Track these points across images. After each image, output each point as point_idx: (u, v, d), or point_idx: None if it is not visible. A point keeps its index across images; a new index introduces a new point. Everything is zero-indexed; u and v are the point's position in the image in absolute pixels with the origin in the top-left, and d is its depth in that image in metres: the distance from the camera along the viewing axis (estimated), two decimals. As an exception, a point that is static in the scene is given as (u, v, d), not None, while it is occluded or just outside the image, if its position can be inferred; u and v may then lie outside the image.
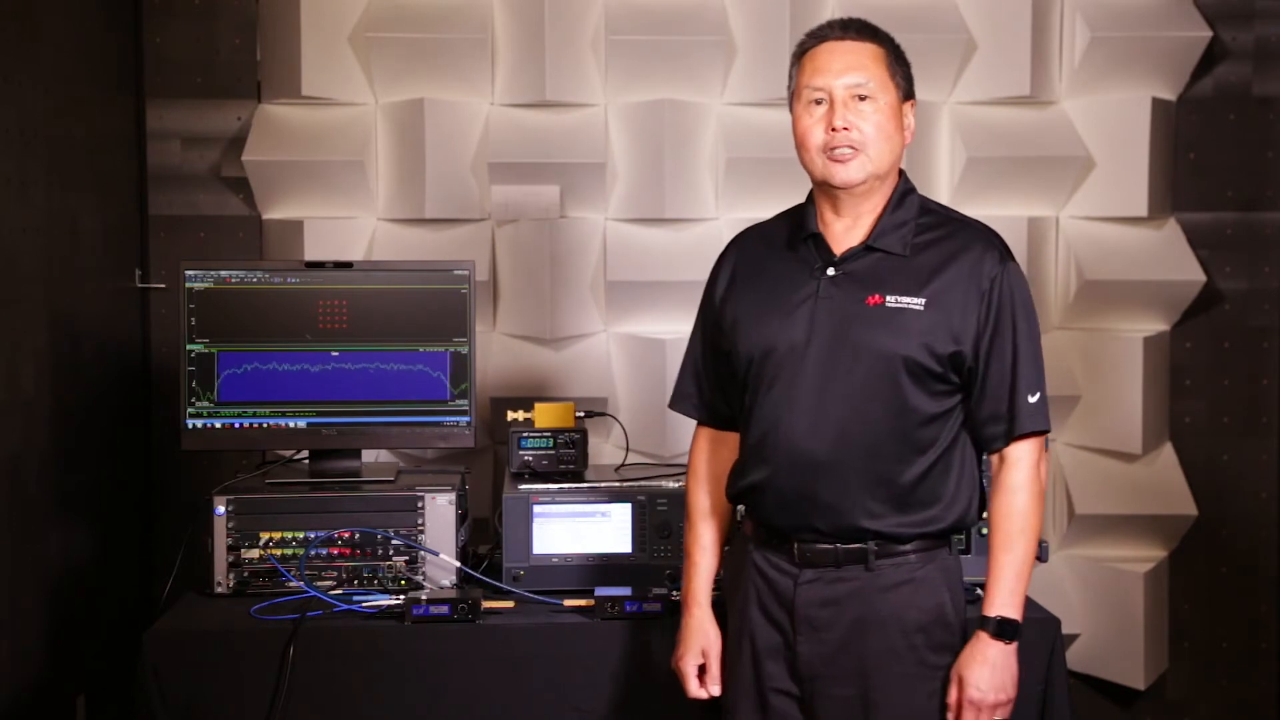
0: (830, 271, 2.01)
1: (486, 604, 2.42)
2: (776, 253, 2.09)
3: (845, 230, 2.04)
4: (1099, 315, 3.30)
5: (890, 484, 1.97)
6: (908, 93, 2.04)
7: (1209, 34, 3.26)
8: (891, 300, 1.97)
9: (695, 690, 2.13)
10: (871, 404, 1.96)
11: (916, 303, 1.96)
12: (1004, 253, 2.02)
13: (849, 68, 1.98)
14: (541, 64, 3.19)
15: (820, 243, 2.04)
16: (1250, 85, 3.39)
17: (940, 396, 1.98)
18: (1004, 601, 1.97)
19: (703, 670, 2.13)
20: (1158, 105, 3.26)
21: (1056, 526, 3.34)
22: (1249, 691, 3.45)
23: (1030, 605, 2.43)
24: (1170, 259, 3.30)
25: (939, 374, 1.97)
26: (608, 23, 3.20)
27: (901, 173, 2.08)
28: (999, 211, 3.24)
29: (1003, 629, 1.96)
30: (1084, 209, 3.30)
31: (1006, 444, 2.00)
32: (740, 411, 2.08)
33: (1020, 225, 3.22)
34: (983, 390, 1.99)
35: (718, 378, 2.14)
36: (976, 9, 3.25)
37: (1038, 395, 1.99)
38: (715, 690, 2.12)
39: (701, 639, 2.13)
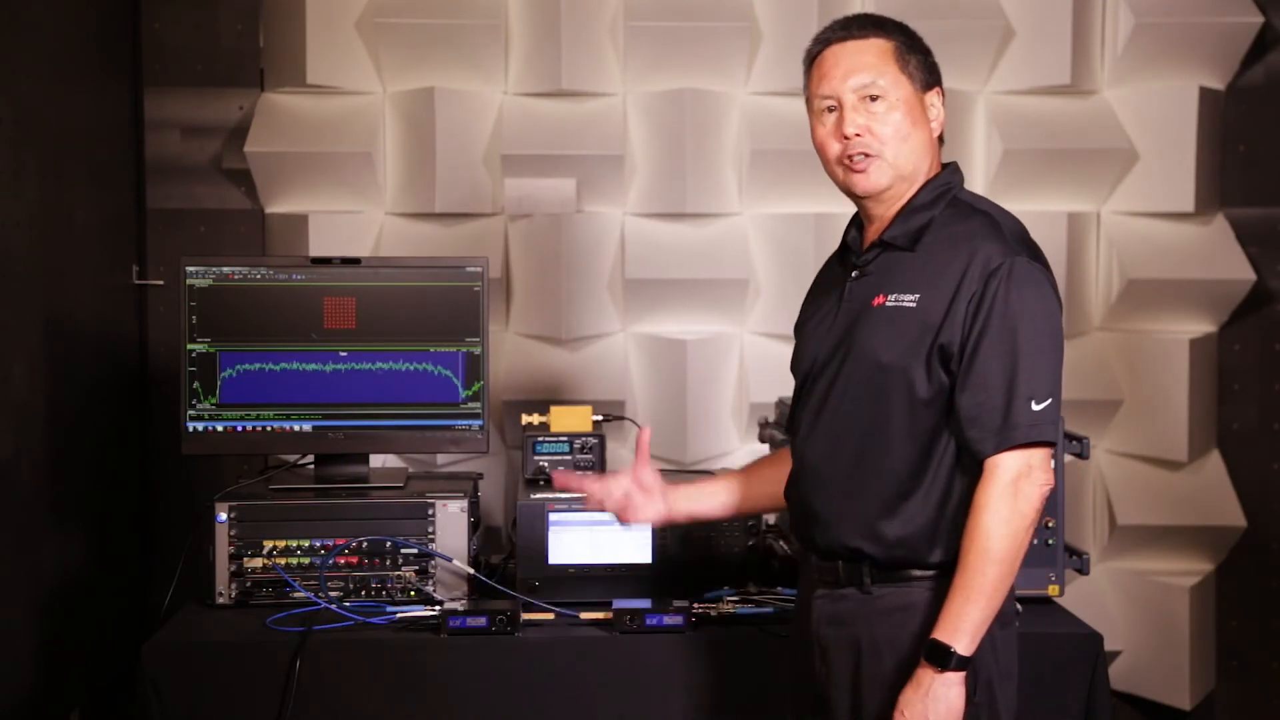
0: (854, 274, 1.97)
1: (526, 615, 2.41)
2: (832, 264, 2.08)
3: (875, 231, 1.99)
4: (1143, 316, 3.25)
5: (877, 498, 1.88)
6: (928, 82, 1.94)
7: (1260, 20, 3.21)
8: (892, 300, 1.89)
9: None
10: (860, 413, 1.90)
11: (910, 300, 1.87)
12: (1015, 246, 1.87)
13: (854, 69, 1.91)
14: (557, 51, 3.17)
15: (850, 246, 2.02)
16: (1303, 74, 3.33)
17: (929, 409, 1.86)
18: (942, 624, 1.82)
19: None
20: (1205, 95, 3.21)
21: (1097, 538, 3.30)
22: (1300, 712, 3.39)
23: (1071, 620, 2.45)
24: (1218, 256, 3.24)
25: (927, 385, 1.85)
26: (626, 8, 3.18)
27: (946, 166, 1.98)
28: (1037, 206, 3.21)
29: (934, 654, 1.82)
30: (1127, 204, 3.26)
31: (988, 454, 1.84)
32: None
33: (1060, 221, 3.19)
34: (964, 390, 1.84)
35: None
36: (1014, -7, 3.25)
37: (1041, 404, 1.82)
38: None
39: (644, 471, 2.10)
